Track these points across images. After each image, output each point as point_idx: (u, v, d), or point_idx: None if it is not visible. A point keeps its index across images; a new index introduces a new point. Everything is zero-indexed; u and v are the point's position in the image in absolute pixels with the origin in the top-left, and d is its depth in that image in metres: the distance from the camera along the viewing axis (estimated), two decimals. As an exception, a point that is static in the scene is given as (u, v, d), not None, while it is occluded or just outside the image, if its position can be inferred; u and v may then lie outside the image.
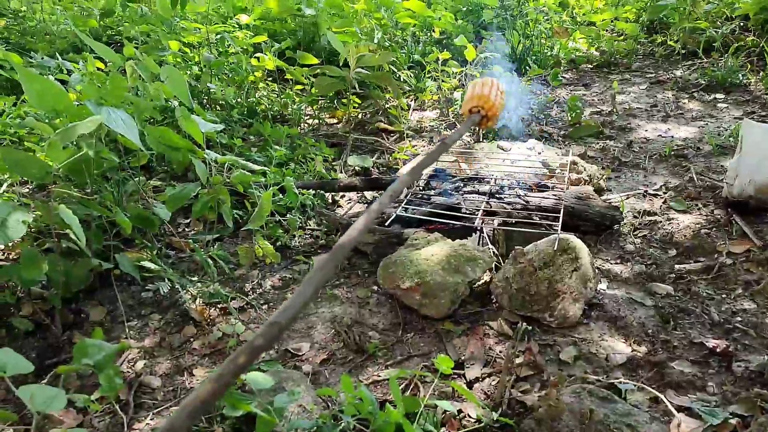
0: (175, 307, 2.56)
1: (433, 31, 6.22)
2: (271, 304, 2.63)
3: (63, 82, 3.16)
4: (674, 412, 1.83)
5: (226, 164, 2.95)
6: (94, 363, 1.39)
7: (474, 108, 1.64)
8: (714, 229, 2.96)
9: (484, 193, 3.03)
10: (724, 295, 2.50)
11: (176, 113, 2.77)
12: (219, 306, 2.57)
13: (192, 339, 2.41)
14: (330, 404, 2.00)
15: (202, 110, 3.73)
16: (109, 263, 2.52)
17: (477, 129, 4.20)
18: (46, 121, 2.66)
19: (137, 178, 3.06)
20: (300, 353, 2.32)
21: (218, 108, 4.41)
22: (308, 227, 3.18)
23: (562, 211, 2.74)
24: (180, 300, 2.54)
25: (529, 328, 2.20)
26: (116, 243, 2.67)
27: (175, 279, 2.52)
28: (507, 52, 5.80)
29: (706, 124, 4.34)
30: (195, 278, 2.70)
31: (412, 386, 2.10)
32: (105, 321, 2.51)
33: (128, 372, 2.23)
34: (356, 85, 4.32)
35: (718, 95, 4.90)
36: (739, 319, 2.34)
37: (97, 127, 2.54)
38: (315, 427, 1.75)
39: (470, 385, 2.11)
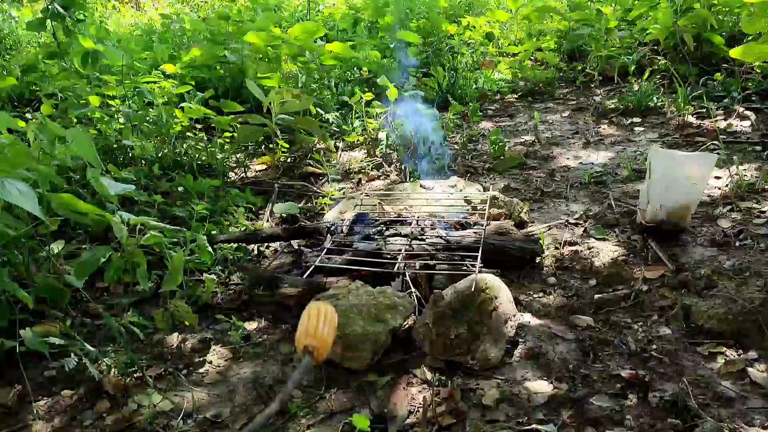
0: (89, 381, 2.45)
1: (361, 70, 6.28)
2: (191, 368, 2.54)
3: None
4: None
5: (142, 225, 2.87)
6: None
7: (309, 346, 1.62)
8: (631, 255, 3.02)
9: (406, 236, 3.02)
10: (640, 323, 2.54)
11: (87, 175, 2.69)
12: (135, 375, 2.47)
13: (105, 414, 2.30)
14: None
15: (117, 169, 3.65)
16: (15, 340, 2.41)
17: (401, 170, 4.23)
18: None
19: (47, 246, 2.95)
20: (219, 419, 2.24)
21: (142, 162, 4.32)
22: (231, 282, 3.11)
23: (480, 249, 2.75)
24: (92, 373, 2.43)
25: (443, 378, 2.18)
26: (24, 317, 2.55)
27: (84, 352, 2.42)
28: (433, 87, 5.89)
29: (624, 149, 4.47)
30: (110, 347, 2.60)
31: (332, 446, 2.04)
32: (11, 402, 2.38)
33: (35, 457, 2.11)
34: (278, 132, 4.30)
35: (635, 119, 5.06)
36: (654, 347, 2.38)
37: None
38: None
39: (393, 439, 2.07)
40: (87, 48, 4.49)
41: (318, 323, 1.68)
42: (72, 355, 2.38)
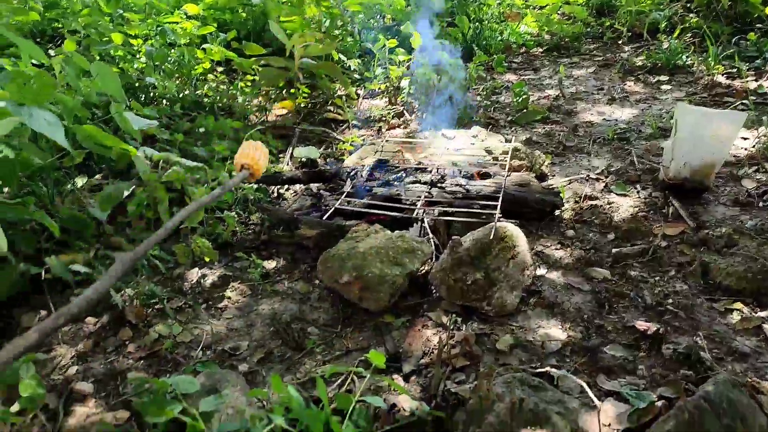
0: (111, 310, 2.51)
1: (384, 18, 6.18)
2: (210, 302, 2.59)
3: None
4: (596, 402, 1.85)
5: (166, 161, 2.89)
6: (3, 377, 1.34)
7: (245, 165, 1.99)
8: (652, 212, 3.01)
9: (425, 183, 3.02)
10: (657, 278, 2.54)
11: (111, 110, 2.70)
12: (156, 307, 2.53)
13: (127, 342, 2.37)
14: (265, 404, 1.98)
15: (140, 105, 3.65)
16: (40, 268, 2.46)
17: (423, 119, 4.19)
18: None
19: (72, 179, 2.99)
20: (237, 353, 2.29)
21: (164, 102, 4.31)
22: (251, 222, 3.14)
23: (501, 198, 2.75)
24: (115, 302, 2.49)
25: (459, 319, 2.21)
26: (50, 246, 2.60)
27: (109, 281, 2.46)
28: (457, 37, 5.79)
29: (649, 106, 4.40)
30: (132, 279, 2.65)
31: (348, 382, 2.09)
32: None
33: (59, 378, 2.18)
34: (300, 76, 4.26)
35: (662, 77, 4.96)
36: (670, 301, 2.38)
37: (22, 128, 2.47)
38: (243, 429, 1.73)
39: (407, 377, 2.11)
40: (111, -17, 4.43)
41: (253, 150, 2.05)
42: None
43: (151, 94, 4.27)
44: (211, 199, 1.82)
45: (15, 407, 1.88)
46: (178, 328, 2.40)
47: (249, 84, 4.68)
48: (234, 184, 2.00)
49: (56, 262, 2.45)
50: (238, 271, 2.80)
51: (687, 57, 5.09)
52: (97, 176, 3.50)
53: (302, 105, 4.64)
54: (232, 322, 2.47)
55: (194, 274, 2.75)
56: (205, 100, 4.45)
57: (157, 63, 4.41)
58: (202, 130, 3.94)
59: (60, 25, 5.75)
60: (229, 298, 2.62)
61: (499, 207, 2.67)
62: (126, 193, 2.76)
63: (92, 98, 3.14)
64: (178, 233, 3.07)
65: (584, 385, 1.89)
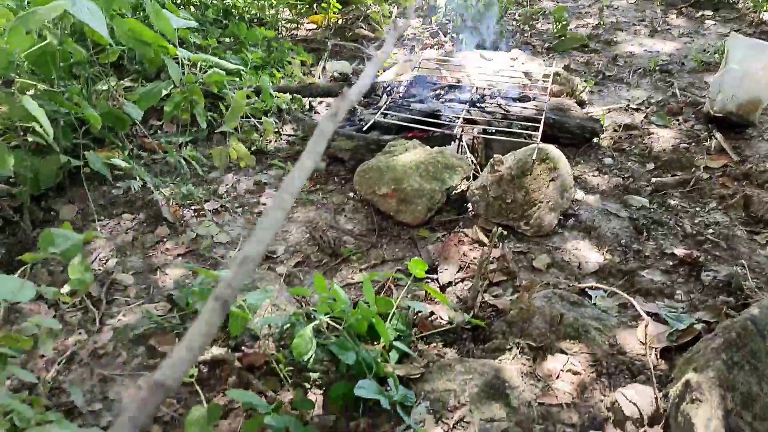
0: (148, 208, 2.52)
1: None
2: (246, 207, 2.60)
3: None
4: (643, 314, 1.86)
5: (199, 64, 2.84)
6: (60, 252, 1.35)
7: None
8: (693, 144, 2.95)
9: (464, 102, 2.97)
10: (698, 209, 2.52)
11: (146, 8, 2.62)
12: (192, 207, 2.53)
13: (165, 239, 2.38)
14: (303, 304, 2.01)
15: (175, 8, 3.55)
16: (79, 161, 2.45)
17: (459, 40, 4.08)
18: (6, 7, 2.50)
19: (107, 76, 2.94)
20: (274, 255, 2.31)
21: (192, 8, 4.21)
22: (284, 132, 3.11)
23: (542, 121, 2.70)
24: (152, 200, 2.50)
25: (504, 233, 2.20)
26: (86, 142, 2.58)
27: (148, 178, 2.46)
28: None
29: (693, 40, 4.27)
30: (168, 180, 2.65)
31: (385, 289, 2.11)
32: (76, 219, 2.47)
33: (100, 269, 2.20)
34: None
35: (706, 12, 4.79)
36: (710, 231, 2.37)
37: (62, 17, 2.41)
38: (288, 324, 1.76)
39: (443, 289, 2.13)
40: None
41: None
42: (137, 179, 2.42)
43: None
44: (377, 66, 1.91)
45: (65, 288, 1.91)
46: (215, 228, 2.41)
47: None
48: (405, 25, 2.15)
49: (96, 157, 2.45)
50: (272, 178, 2.79)
51: (733, -8, 4.91)
52: (126, 80, 3.45)
53: (333, 21, 4.52)
54: (268, 227, 2.47)
55: (230, 178, 2.74)
56: (233, 10, 4.33)
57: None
58: (227, 40, 3.86)
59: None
60: (264, 204, 2.62)
61: (541, 128, 2.62)
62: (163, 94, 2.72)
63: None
64: (210, 138, 3.05)
65: (632, 300, 1.90)
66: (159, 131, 3.15)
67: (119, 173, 2.53)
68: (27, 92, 2.28)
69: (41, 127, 2.05)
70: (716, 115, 2.99)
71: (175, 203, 2.51)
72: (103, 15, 2.35)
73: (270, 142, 3.00)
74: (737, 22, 4.55)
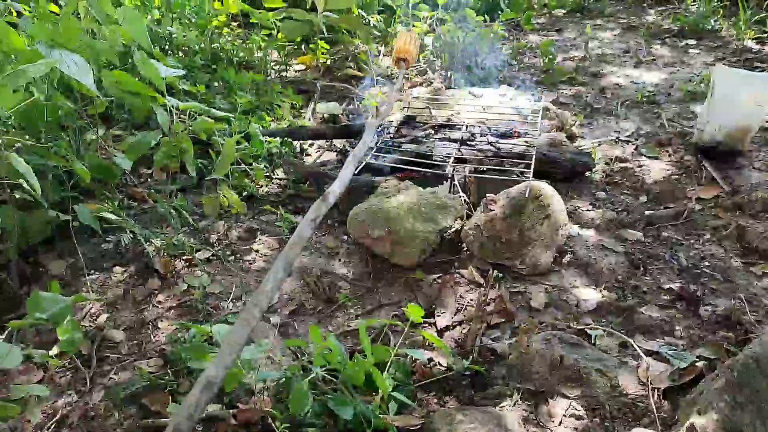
0: (138, 260, 2.49)
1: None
2: (238, 255, 2.57)
3: (12, 25, 2.98)
4: (642, 356, 1.84)
5: (188, 111, 2.83)
6: (48, 316, 1.32)
7: (401, 56, 2.47)
8: (684, 175, 2.96)
9: (455, 141, 2.97)
10: (692, 241, 2.51)
11: (134, 57, 2.62)
12: (184, 258, 2.50)
13: (156, 292, 2.35)
14: (299, 355, 1.97)
15: (163, 55, 3.57)
16: (68, 215, 2.43)
17: (447, 77, 4.11)
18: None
19: (95, 127, 2.93)
20: (269, 305, 2.27)
21: (180, 54, 4.23)
22: (275, 176, 3.10)
23: (534, 157, 2.70)
24: (143, 252, 2.47)
25: (500, 275, 2.18)
26: (75, 194, 2.56)
27: (138, 230, 2.44)
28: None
29: (678, 70, 4.31)
30: (159, 229, 2.62)
31: (382, 335, 2.07)
32: (65, 274, 2.43)
33: (90, 326, 2.16)
34: (323, 29, 4.17)
35: (689, 41, 4.85)
36: (707, 263, 2.35)
37: (50, 72, 2.40)
38: (284, 378, 1.72)
39: (441, 333, 2.09)
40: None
41: (408, 42, 2.53)
42: (127, 231, 2.39)
43: (165, 46, 4.17)
44: (383, 116, 2.13)
45: (54, 351, 1.87)
46: (207, 279, 2.38)
47: (266, 38, 4.58)
48: (400, 85, 2.46)
49: (85, 210, 2.42)
50: (264, 224, 2.77)
51: (715, 21, 4.98)
52: (114, 128, 3.45)
53: (321, 62, 4.55)
54: (261, 274, 2.45)
55: (221, 226, 2.72)
56: (221, 54, 4.35)
57: (174, 13, 4.31)
58: (217, 84, 3.87)
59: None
60: (257, 251, 2.60)
61: (533, 165, 2.62)
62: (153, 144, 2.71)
63: (116, 44, 3.06)
64: (200, 185, 3.04)
65: (631, 342, 1.88)
66: (149, 179, 3.14)
67: (109, 226, 2.50)
68: (14, 147, 2.26)
69: (28, 184, 2.03)
70: (705, 145, 3.01)
71: (166, 254, 2.48)
72: (90, 68, 2.36)
73: (261, 187, 2.98)
74: (721, 50, 4.61)
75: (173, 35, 4.06)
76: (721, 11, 5.14)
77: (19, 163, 2.02)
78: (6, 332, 2.00)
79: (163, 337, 2.10)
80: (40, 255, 2.51)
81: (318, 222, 1.75)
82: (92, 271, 2.44)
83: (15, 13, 3.36)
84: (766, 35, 4.55)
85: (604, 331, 2.03)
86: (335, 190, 1.88)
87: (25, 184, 2.10)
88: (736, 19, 4.80)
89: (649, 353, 1.92)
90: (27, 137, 2.44)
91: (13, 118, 2.38)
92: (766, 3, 4.98)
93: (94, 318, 2.21)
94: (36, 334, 2.08)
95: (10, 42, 2.15)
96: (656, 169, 3.02)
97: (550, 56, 4.22)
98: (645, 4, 5.90)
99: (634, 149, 3.23)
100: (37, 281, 2.39)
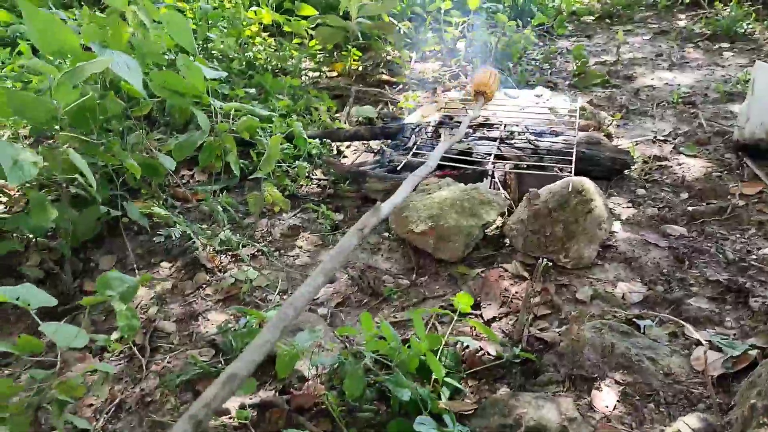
0: (185, 255, 2.54)
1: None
2: (282, 251, 2.60)
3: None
4: (702, 341, 1.83)
5: (231, 113, 2.89)
6: (118, 294, 1.36)
7: (480, 90, 2.68)
8: (725, 172, 2.95)
9: (494, 139, 2.99)
10: (737, 235, 2.49)
11: (178, 62, 2.68)
12: (230, 253, 2.55)
13: (204, 285, 2.39)
14: (348, 344, 1.99)
15: (203, 60, 3.64)
16: (117, 212, 2.49)
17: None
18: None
19: (141, 128, 3.00)
20: (316, 297, 2.30)
21: (215, 61, 4.31)
22: (315, 176, 3.14)
23: (574, 153, 2.71)
24: (190, 248, 2.52)
25: (549, 264, 2.18)
26: (122, 193, 2.63)
27: (186, 225, 2.49)
28: (509, 2, 5.69)
29: (712, 72, 4.30)
30: (204, 227, 2.67)
31: (429, 326, 2.09)
32: (115, 269, 2.48)
33: (141, 317, 2.21)
34: (359, 35, 4.23)
35: (722, 44, 4.84)
36: (753, 257, 2.34)
37: (103, 72, 2.48)
38: (337, 364, 1.74)
39: (488, 324, 2.10)
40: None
41: (488, 78, 2.75)
42: (176, 226, 2.44)
43: (204, 52, 4.26)
44: (461, 136, 2.55)
45: (114, 335, 1.91)
46: (254, 273, 2.42)
47: (298, 46, 4.65)
48: (476, 114, 2.64)
49: (134, 207, 2.48)
50: (306, 222, 2.80)
51: (748, 24, 4.96)
52: (154, 132, 3.52)
53: (354, 68, 4.60)
54: (306, 269, 2.48)
55: (264, 223, 2.76)
56: (255, 62, 4.43)
57: (209, 22, 4.40)
58: (252, 91, 3.94)
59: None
60: (300, 247, 2.63)
61: (574, 161, 2.63)
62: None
63: (160, 49, 3.14)
64: (241, 185, 3.09)
65: (688, 326, 1.88)
66: (190, 180, 3.20)
67: (157, 222, 2.56)
68: (67, 144, 2.33)
69: (85, 179, 2.09)
70: (746, 142, 2.99)
71: (213, 250, 2.53)
72: (140, 70, 2.42)
73: (302, 186, 3.02)
74: (755, 52, 4.58)
75: (211, 42, 4.14)
76: (754, 15, 5.12)
77: (76, 159, 2.08)
78: (64, 320, 2.06)
79: (213, 328, 2.14)
80: (91, 251, 2.57)
81: (366, 233, 1.77)
82: (141, 266, 2.50)
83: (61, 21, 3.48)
84: (801, 37, 4.52)
85: (653, 321, 2.02)
86: (388, 205, 1.90)
87: (81, 180, 2.17)
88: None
89: (700, 343, 1.91)
90: (78, 135, 2.51)
91: (65, 117, 2.45)
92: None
93: (144, 310, 2.25)
94: (92, 324, 2.13)
95: (67, 41, 2.22)
96: (696, 166, 3.01)
97: (583, 59, 4.23)
98: (675, 10, 5.89)
99: (672, 148, 3.23)
100: (89, 276, 2.45)
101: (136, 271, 2.44)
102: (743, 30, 4.94)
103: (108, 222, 2.60)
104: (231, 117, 2.87)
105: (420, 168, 2.09)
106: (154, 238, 2.54)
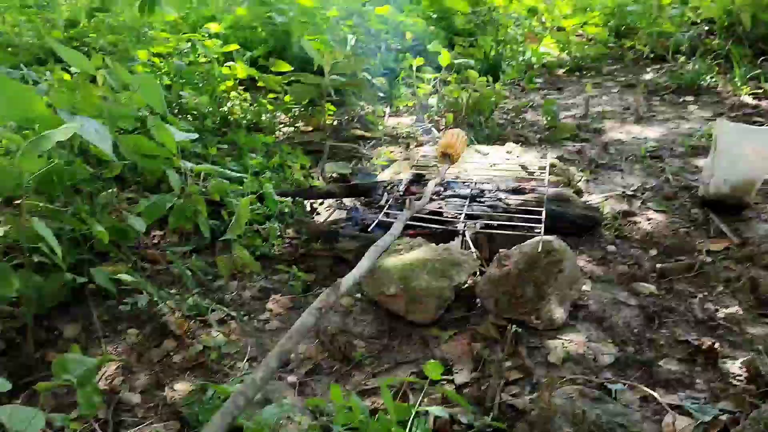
0: (153, 321, 2.49)
1: (405, 38, 6.21)
2: (252, 315, 2.57)
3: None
4: (668, 409, 1.82)
5: (201, 174, 2.88)
6: (75, 378, 1.32)
7: (446, 151, 2.69)
8: (692, 228, 2.99)
9: (464, 197, 3.01)
10: (706, 293, 2.52)
11: (148, 123, 2.68)
12: (199, 318, 2.51)
13: (172, 353, 2.34)
14: (318, 415, 1.95)
15: (176, 119, 3.65)
16: (83, 278, 2.44)
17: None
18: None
19: (110, 190, 2.98)
20: (285, 365, 2.26)
21: (190, 118, 4.32)
22: (287, 236, 3.13)
23: (544, 212, 2.74)
24: (158, 314, 2.47)
25: (519, 330, 2.18)
26: (90, 257, 2.58)
27: (154, 292, 2.45)
28: (479, 57, 5.82)
29: (678, 126, 4.41)
30: (173, 291, 2.63)
31: (401, 393, 2.06)
32: (80, 337, 2.42)
33: (105, 388, 2.14)
34: (332, 92, 4.28)
35: (687, 97, 4.98)
36: (722, 316, 2.35)
37: (71, 138, 2.46)
38: (305, 439, 1.70)
39: (459, 390, 2.08)
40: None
41: (454, 139, 2.72)
42: (144, 293, 2.40)
43: (178, 109, 4.27)
44: (425, 201, 2.53)
45: (74, 414, 1.85)
46: (223, 339, 2.38)
47: (272, 100, 4.69)
48: (441, 179, 2.61)
49: (101, 272, 2.44)
50: (277, 283, 2.78)
51: (711, 78, 5.11)
52: (125, 192, 3.50)
53: (328, 123, 4.65)
54: (276, 334, 2.45)
55: (235, 286, 2.73)
56: (229, 117, 4.46)
57: (184, 79, 4.43)
58: (226, 147, 3.95)
59: (80, 44, 5.79)
60: (271, 310, 2.60)
61: (543, 220, 2.65)
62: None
63: (131, 111, 3.14)
64: (212, 246, 3.06)
65: (656, 395, 1.87)
66: (161, 241, 3.17)
67: (124, 288, 2.52)
68: (32, 212, 2.29)
69: (49, 248, 2.05)
70: (711, 198, 3.05)
71: (181, 315, 2.48)
72: (109, 134, 2.41)
73: (273, 246, 3.00)
74: (719, 105, 4.72)
75: (183, 99, 4.16)
76: (716, 69, 5.29)
77: (40, 227, 2.05)
78: (22, 396, 2.00)
79: (179, 399, 2.09)
80: (55, 318, 2.51)
81: (324, 311, 1.75)
82: (107, 334, 2.44)
83: (31, 82, 3.47)
84: (761, 91, 4.66)
85: (624, 385, 2.01)
86: (348, 280, 1.89)
87: (44, 248, 2.13)
88: (731, 75, 4.93)
89: (671, 407, 1.90)
90: (44, 200, 2.48)
91: (31, 182, 2.42)
92: (759, 60, 5.13)
93: (109, 380, 2.19)
94: (53, 398, 2.07)
95: (34, 108, 2.21)
96: (664, 222, 3.05)
97: (553, 114, 4.32)
98: (641, 63, 6.07)
99: (641, 203, 3.28)
100: (53, 345, 2.38)
101: (102, 339, 2.38)
102: (707, 83, 5.09)
103: (74, 288, 2.55)
104: (202, 177, 2.86)
105: (383, 238, 2.09)
106: (120, 307, 2.49)
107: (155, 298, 2.42)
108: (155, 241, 3.17)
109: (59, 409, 2.02)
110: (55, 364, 1.37)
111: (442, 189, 3.14)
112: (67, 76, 3.57)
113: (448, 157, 2.67)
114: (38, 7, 6.26)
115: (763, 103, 4.55)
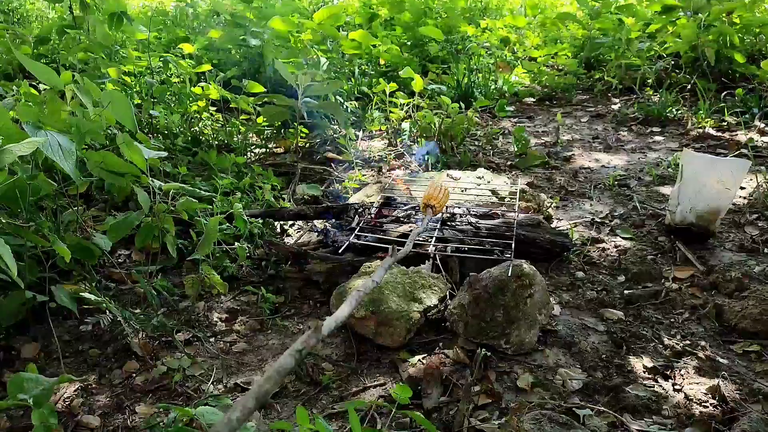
0: (116, 342, 2.43)
1: (379, 63, 6.28)
2: (219, 336, 2.52)
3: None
4: (635, 435, 1.82)
5: (170, 192, 2.84)
6: (30, 398, 1.27)
7: (429, 203, 2.71)
8: (659, 255, 3.03)
9: (435, 221, 3.01)
10: (672, 320, 2.54)
11: (117, 140, 2.65)
12: (163, 339, 2.45)
13: (134, 375, 2.28)
14: (283, 439, 1.90)
15: (145, 137, 3.61)
16: (44, 296, 2.38)
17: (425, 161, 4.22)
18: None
19: (75, 207, 2.92)
20: (250, 387, 2.21)
21: (160, 137, 4.28)
22: (256, 256, 3.09)
23: (514, 237, 2.75)
24: (121, 334, 2.41)
25: (488, 354, 2.17)
26: (52, 275, 2.52)
27: (117, 311, 2.39)
28: (452, 85, 5.89)
29: (645, 155, 4.49)
30: (137, 311, 2.57)
31: (369, 418, 2.02)
32: (38, 358, 2.35)
33: (64, 410, 2.08)
34: (304, 114, 4.28)
35: (654, 128, 5.08)
36: (687, 342, 2.38)
37: (33, 152, 2.41)
38: (269, 464, 1.66)
39: (428, 414, 2.05)
40: (114, 9, 4.43)
41: (438, 192, 2.74)
42: (107, 312, 2.34)
43: (146, 130, 4.22)
44: (408, 249, 2.38)
45: (28, 437, 1.78)
46: (187, 361, 2.32)
47: (245, 122, 4.67)
48: (424, 228, 2.65)
49: (62, 291, 2.38)
50: (245, 305, 2.73)
51: (677, 110, 5.24)
52: (93, 209, 3.44)
53: (300, 145, 4.64)
54: (243, 356, 2.40)
55: (201, 307, 2.68)
56: (201, 137, 4.42)
57: (155, 98, 4.39)
58: (196, 166, 3.90)
59: (50, 61, 5.72)
60: (238, 332, 2.56)
61: (513, 245, 2.67)
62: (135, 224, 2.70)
63: (101, 126, 3.09)
64: (180, 266, 3.01)
65: (622, 419, 1.86)
66: (127, 260, 3.11)
67: (86, 307, 2.45)
68: (-7, 228, 2.23)
69: (6, 265, 1.99)
70: (677, 226, 3.10)
71: (145, 335, 2.43)
72: (74, 150, 2.36)
73: (242, 267, 2.96)
74: (684, 137, 4.83)
75: (154, 118, 4.12)
76: (682, 101, 5.42)
77: (-1, 245, 1.99)
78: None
79: (140, 422, 2.02)
80: (13, 338, 2.43)
81: (305, 354, 1.68)
82: (67, 354, 2.37)
83: (-3, 96, 3.40)
84: (725, 124, 4.79)
85: (593, 410, 2.01)
86: (330, 323, 1.85)
87: (1, 265, 2.06)
88: (696, 108, 5.06)
89: (639, 433, 1.91)
90: (5, 216, 2.41)
91: (-8, 197, 2.36)
92: (723, 94, 5.28)
93: (68, 402, 2.12)
94: (8, 419, 1.99)
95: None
96: (632, 249, 3.09)
97: (524, 141, 4.37)
98: (610, 94, 6.20)
99: (610, 230, 3.32)
100: (10, 366, 2.30)
101: (61, 359, 2.31)
102: (673, 115, 5.21)
103: (34, 307, 2.47)
104: (170, 197, 2.82)
105: (365, 282, 2.07)
106: (81, 327, 2.42)
107: (119, 318, 2.35)
108: (121, 260, 3.11)
109: (13, 430, 1.95)
110: (10, 383, 1.32)
111: (413, 212, 3.14)
112: (34, 92, 3.51)
113: (431, 208, 2.72)
114: (8, 23, 6.17)
115: (726, 135, 4.67)
